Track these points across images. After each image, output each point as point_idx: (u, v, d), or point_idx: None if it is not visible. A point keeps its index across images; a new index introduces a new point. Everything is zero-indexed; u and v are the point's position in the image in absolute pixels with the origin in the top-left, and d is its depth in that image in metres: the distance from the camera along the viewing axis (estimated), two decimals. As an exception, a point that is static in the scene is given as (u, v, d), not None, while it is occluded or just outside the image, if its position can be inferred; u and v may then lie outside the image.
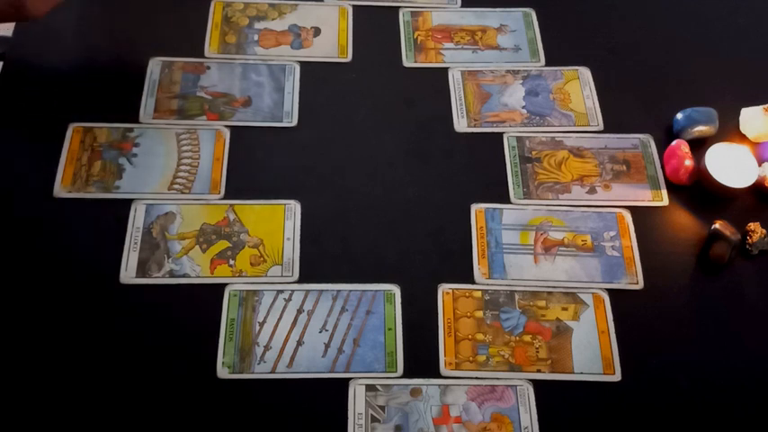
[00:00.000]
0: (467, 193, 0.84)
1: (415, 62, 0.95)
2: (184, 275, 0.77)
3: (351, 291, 0.78)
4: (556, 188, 0.86)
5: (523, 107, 0.92)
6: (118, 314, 0.75)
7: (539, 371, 0.74)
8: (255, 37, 0.96)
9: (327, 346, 0.74)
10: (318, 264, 0.79)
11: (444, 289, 0.78)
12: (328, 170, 0.86)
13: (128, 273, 0.77)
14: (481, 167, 0.87)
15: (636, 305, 0.78)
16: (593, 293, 0.79)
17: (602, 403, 0.73)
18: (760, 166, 0.85)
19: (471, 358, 0.75)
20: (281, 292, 0.77)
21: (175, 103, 0.89)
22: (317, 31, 0.97)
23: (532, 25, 0.99)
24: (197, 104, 0.89)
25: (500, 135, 0.89)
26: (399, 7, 1.00)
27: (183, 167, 0.84)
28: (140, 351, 0.73)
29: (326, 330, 0.75)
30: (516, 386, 0.73)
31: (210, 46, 0.94)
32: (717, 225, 0.81)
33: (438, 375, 0.74)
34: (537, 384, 0.73)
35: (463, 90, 0.93)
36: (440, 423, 0.71)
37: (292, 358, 0.74)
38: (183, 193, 0.83)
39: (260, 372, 0.73)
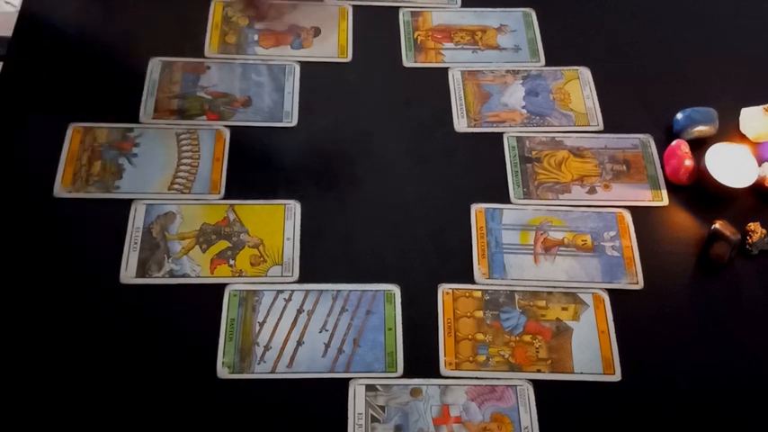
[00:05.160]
0: (467, 193, 0.84)
1: (415, 62, 0.95)
2: (184, 275, 0.77)
3: (351, 291, 0.78)
4: (556, 188, 0.86)
5: (523, 107, 0.92)
6: (118, 314, 0.75)
7: (539, 371, 0.74)
8: (255, 37, 0.96)
9: (327, 346, 0.74)
10: (318, 264, 0.79)
11: (444, 289, 0.78)
12: (328, 170, 0.86)
13: (128, 273, 0.77)
14: (481, 167, 0.87)
15: (636, 305, 0.78)
16: (593, 293, 0.79)
17: (602, 403, 0.73)
18: (760, 166, 0.85)
19: (471, 358, 0.75)
20: (281, 292, 0.77)
21: (175, 103, 0.89)
22: (317, 31, 0.97)
23: (532, 25, 0.99)
24: (197, 104, 0.89)
25: (500, 135, 0.89)
26: (399, 7, 1.00)
27: (183, 167, 0.84)
28: (140, 351, 0.73)
29: (326, 330, 0.75)
30: (516, 386, 0.73)
31: (210, 46, 0.94)
32: (717, 225, 0.81)
33: (438, 375, 0.74)
34: (537, 384, 0.73)
35: (463, 90, 0.93)
36: (440, 423, 0.71)
37: (292, 358, 0.74)
38: (183, 193, 0.83)
39: (260, 372, 0.73)
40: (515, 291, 0.79)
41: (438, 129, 0.90)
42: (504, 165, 0.87)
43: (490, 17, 1.00)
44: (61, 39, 0.94)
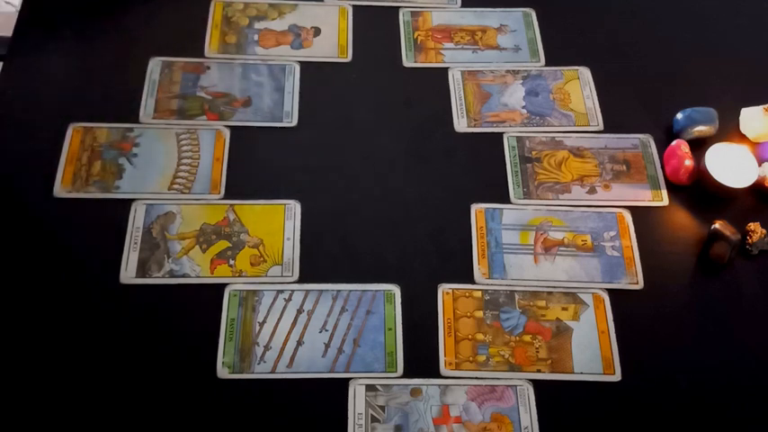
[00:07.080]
0: (467, 193, 0.84)
1: (415, 62, 0.95)
2: (184, 275, 0.77)
3: (351, 291, 0.78)
4: (556, 188, 0.86)
5: (523, 107, 0.92)
6: (118, 314, 0.75)
7: (539, 371, 0.74)
8: (255, 37, 0.96)
9: (327, 346, 0.74)
10: (318, 264, 0.79)
11: (444, 289, 0.78)
12: (328, 170, 0.86)
13: (128, 273, 0.77)
14: (481, 167, 0.87)
15: (636, 305, 0.78)
16: (593, 293, 0.79)
17: (602, 403, 0.73)
18: (760, 166, 0.85)
19: (471, 358, 0.75)
20: (281, 292, 0.77)
21: (175, 103, 0.89)
22: (317, 31, 0.97)
23: (532, 25, 0.99)
24: (197, 104, 0.89)
25: (500, 135, 0.89)
26: (399, 7, 1.00)
27: (183, 167, 0.84)
28: (140, 351, 0.73)
29: (326, 330, 0.75)
30: (516, 386, 0.73)
31: (210, 46, 0.95)
32: (717, 225, 0.81)
33: (438, 375, 0.74)
34: (537, 384, 0.73)
35: (463, 90, 0.93)
36: (440, 423, 0.71)
37: (292, 358, 0.74)
38: (183, 193, 0.83)
39: (260, 372, 0.73)
40: (515, 291, 0.79)
41: (438, 129, 0.90)
42: (504, 165, 0.87)
43: (490, 17, 1.00)
44: (61, 39, 0.94)
